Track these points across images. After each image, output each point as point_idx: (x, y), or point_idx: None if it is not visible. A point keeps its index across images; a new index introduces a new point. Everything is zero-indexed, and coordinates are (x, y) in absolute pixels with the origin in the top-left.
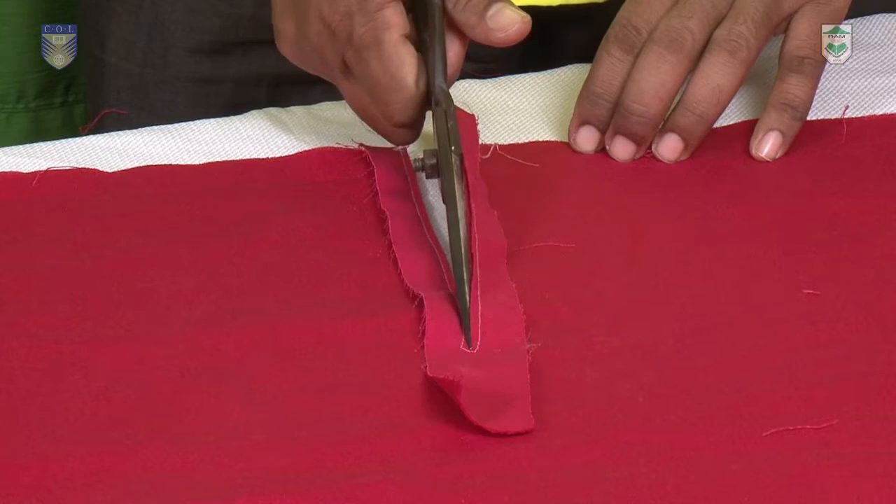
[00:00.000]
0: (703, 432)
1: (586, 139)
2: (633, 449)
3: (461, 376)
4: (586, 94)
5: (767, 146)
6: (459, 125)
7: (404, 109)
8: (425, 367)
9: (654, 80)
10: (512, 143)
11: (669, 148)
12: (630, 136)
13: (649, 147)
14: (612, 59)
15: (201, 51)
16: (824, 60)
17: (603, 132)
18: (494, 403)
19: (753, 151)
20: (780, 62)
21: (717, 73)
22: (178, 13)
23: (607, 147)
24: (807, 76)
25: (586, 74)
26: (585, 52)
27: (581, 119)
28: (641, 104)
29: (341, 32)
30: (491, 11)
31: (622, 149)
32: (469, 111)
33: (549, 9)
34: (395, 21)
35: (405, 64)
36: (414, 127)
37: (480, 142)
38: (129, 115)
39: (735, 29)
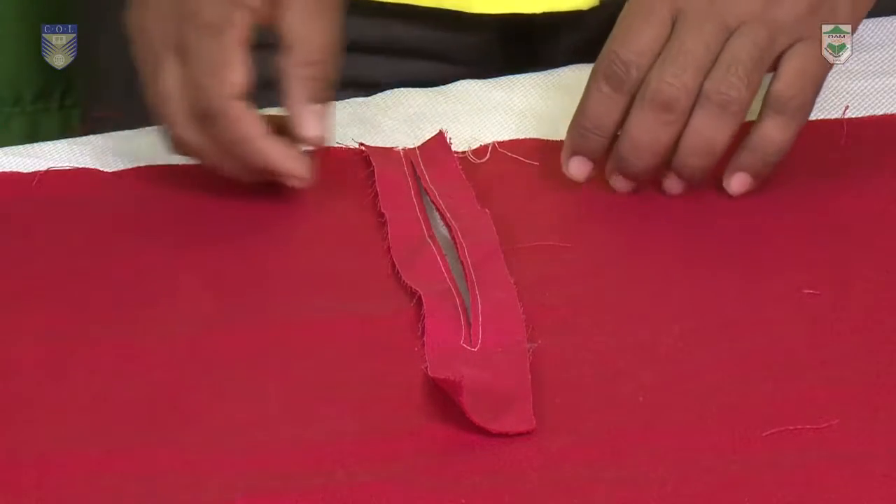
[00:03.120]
0: (703, 432)
1: (578, 169)
2: (633, 449)
3: (462, 377)
4: (576, 126)
5: (735, 185)
6: (428, 144)
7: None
8: (426, 367)
9: (648, 137)
10: (511, 138)
11: (672, 186)
12: (629, 176)
13: None
14: (601, 95)
15: None
16: (811, 102)
17: (594, 161)
18: (496, 403)
19: (723, 184)
20: (764, 101)
21: (708, 128)
22: None
23: (607, 178)
24: (788, 118)
25: (586, 75)
26: (571, 59)
27: (572, 150)
28: (636, 157)
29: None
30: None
31: (622, 185)
32: (471, 109)
33: (534, 16)
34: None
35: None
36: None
37: (479, 143)
38: (120, 119)
39: (726, 80)
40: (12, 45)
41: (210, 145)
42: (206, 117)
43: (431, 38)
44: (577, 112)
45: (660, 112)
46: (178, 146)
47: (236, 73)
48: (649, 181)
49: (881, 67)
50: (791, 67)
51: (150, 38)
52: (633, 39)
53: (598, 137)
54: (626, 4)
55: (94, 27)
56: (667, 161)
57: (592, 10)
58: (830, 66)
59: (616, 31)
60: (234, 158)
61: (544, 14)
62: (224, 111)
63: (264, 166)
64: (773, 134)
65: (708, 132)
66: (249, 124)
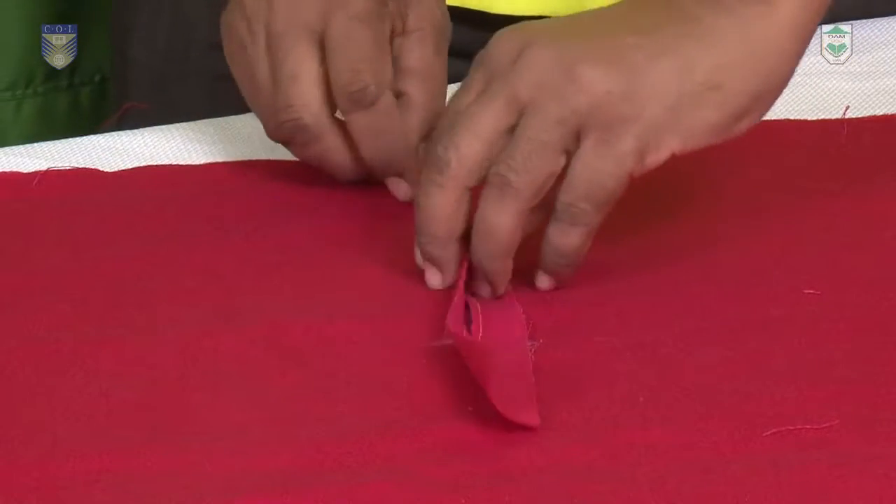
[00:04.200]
0: (703, 432)
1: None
2: (633, 449)
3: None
4: None
5: (539, 283)
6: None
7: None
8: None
9: (423, 200)
10: None
11: (478, 286)
12: (427, 258)
13: None
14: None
15: (222, 46)
16: (592, 209)
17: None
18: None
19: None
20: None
21: (488, 209)
22: (201, 8)
23: None
24: (570, 225)
25: None
26: None
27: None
28: (424, 224)
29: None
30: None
31: (429, 276)
32: None
33: (537, 18)
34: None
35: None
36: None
37: None
38: (149, 109)
39: (505, 162)
40: (23, 28)
41: (337, 134)
42: (357, 102)
43: (457, 36)
44: None
45: (433, 174)
46: (293, 130)
47: (388, 64)
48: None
49: (882, 68)
50: (572, 171)
51: (268, 22)
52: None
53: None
54: None
55: (128, 19)
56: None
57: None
58: (621, 173)
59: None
60: (374, 148)
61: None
62: (379, 97)
63: (395, 163)
64: (554, 238)
65: (486, 213)
66: (397, 116)
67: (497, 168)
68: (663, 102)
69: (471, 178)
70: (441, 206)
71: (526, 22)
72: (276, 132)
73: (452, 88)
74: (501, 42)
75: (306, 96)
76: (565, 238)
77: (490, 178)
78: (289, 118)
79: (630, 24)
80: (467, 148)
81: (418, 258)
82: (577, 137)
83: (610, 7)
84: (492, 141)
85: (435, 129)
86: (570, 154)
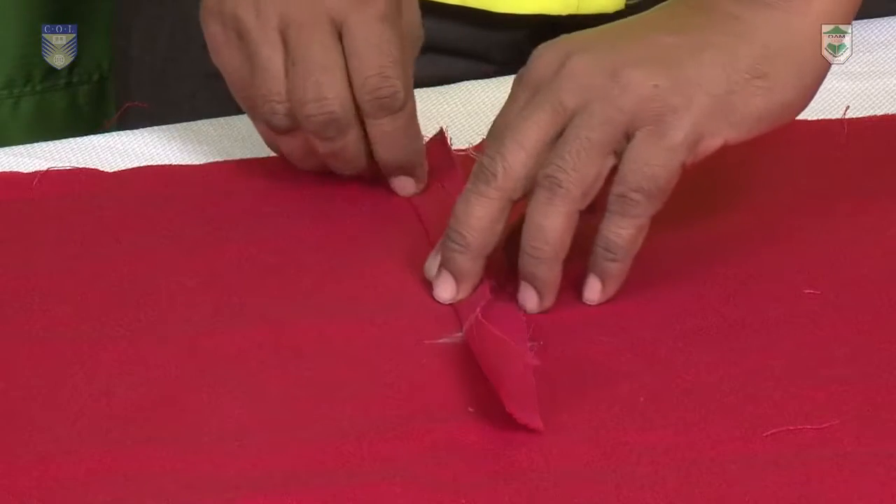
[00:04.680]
0: (703, 432)
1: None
2: (633, 449)
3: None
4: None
5: (587, 292)
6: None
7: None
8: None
9: (464, 208)
10: None
11: (524, 297)
12: (450, 269)
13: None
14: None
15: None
16: (644, 200)
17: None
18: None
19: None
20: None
21: (537, 212)
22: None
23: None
24: (622, 216)
25: None
26: None
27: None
28: (458, 232)
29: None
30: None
31: (442, 285)
32: (472, 109)
33: (560, 17)
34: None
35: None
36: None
37: (481, 138)
38: (150, 108)
39: (554, 162)
40: (22, 26)
41: (358, 130)
42: (385, 108)
43: (461, 35)
44: None
45: (478, 184)
46: (323, 124)
47: (410, 67)
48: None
49: (882, 68)
50: (624, 163)
51: (284, 9)
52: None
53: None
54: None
55: (129, 19)
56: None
57: (619, 13)
58: (674, 163)
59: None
60: (391, 150)
61: (570, 16)
62: (406, 102)
63: (407, 164)
64: (606, 231)
65: (536, 216)
66: (417, 120)
67: (546, 170)
68: (712, 92)
69: (516, 190)
70: (482, 217)
71: (563, 35)
72: (283, 122)
73: (452, 89)
74: (542, 56)
75: (338, 88)
76: (618, 229)
77: (539, 181)
78: (322, 111)
79: (667, 27)
80: (514, 159)
81: (430, 269)
82: (626, 137)
83: (643, 14)
84: (538, 152)
85: (484, 142)
86: (618, 155)
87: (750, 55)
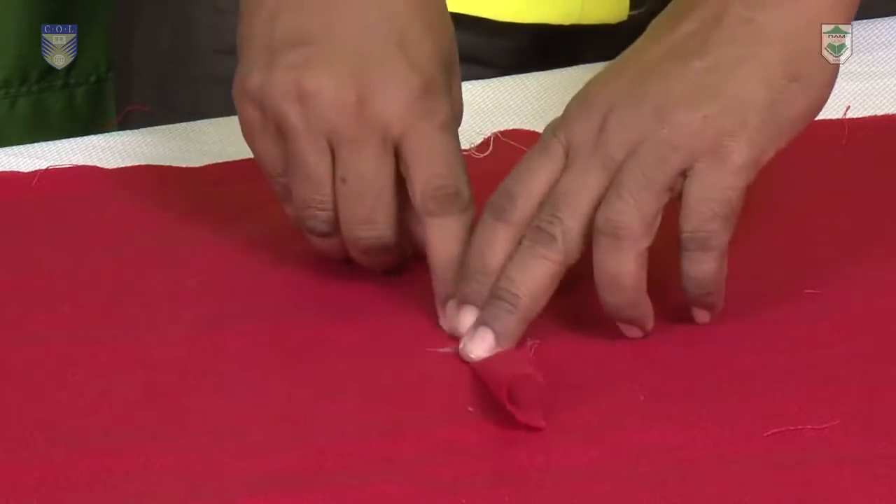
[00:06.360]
0: (703, 432)
1: (468, 319)
2: (633, 449)
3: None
4: (463, 269)
5: (698, 319)
6: None
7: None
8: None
9: (519, 270)
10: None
11: (629, 330)
12: (493, 327)
13: None
14: (485, 226)
15: (225, 51)
16: (720, 228)
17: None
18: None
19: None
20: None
21: (605, 260)
22: (205, 13)
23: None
24: (701, 251)
25: (590, 74)
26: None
27: (460, 298)
28: (509, 289)
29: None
30: None
31: (479, 341)
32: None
33: (562, 27)
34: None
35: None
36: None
37: (482, 137)
38: (152, 112)
39: (613, 206)
40: (19, 26)
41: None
42: (449, 204)
43: (464, 42)
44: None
45: (536, 246)
46: (373, 249)
47: (467, 174)
48: None
49: (882, 68)
50: (690, 197)
51: (331, 120)
52: (524, 176)
53: (482, 277)
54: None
55: (130, 22)
56: None
57: (621, 24)
58: (738, 184)
59: (513, 169)
60: (445, 252)
61: (573, 26)
62: (471, 204)
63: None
64: (689, 270)
65: (606, 264)
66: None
67: (604, 213)
68: (757, 106)
69: (572, 254)
70: (539, 281)
71: (591, 85)
72: (323, 227)
73: None
74: (582, 117)
75: (389, 213)
76: (701, 266)
77: (598, 227)
78: (371, 235)
79: (689, 50)
80: (571, 222)
81: (456, 318)
82: (683, 175)
83: (655, 39)
84: (588, 207)
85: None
86: (673, 192)
87: (778, 59)
